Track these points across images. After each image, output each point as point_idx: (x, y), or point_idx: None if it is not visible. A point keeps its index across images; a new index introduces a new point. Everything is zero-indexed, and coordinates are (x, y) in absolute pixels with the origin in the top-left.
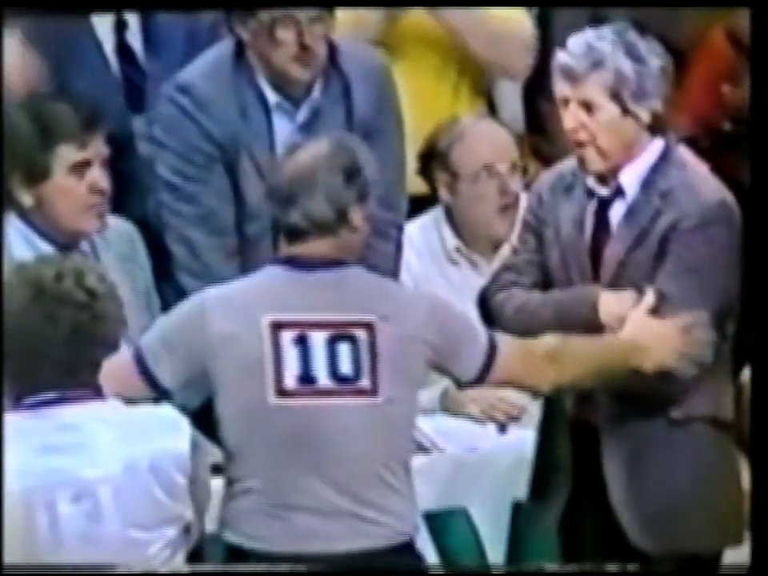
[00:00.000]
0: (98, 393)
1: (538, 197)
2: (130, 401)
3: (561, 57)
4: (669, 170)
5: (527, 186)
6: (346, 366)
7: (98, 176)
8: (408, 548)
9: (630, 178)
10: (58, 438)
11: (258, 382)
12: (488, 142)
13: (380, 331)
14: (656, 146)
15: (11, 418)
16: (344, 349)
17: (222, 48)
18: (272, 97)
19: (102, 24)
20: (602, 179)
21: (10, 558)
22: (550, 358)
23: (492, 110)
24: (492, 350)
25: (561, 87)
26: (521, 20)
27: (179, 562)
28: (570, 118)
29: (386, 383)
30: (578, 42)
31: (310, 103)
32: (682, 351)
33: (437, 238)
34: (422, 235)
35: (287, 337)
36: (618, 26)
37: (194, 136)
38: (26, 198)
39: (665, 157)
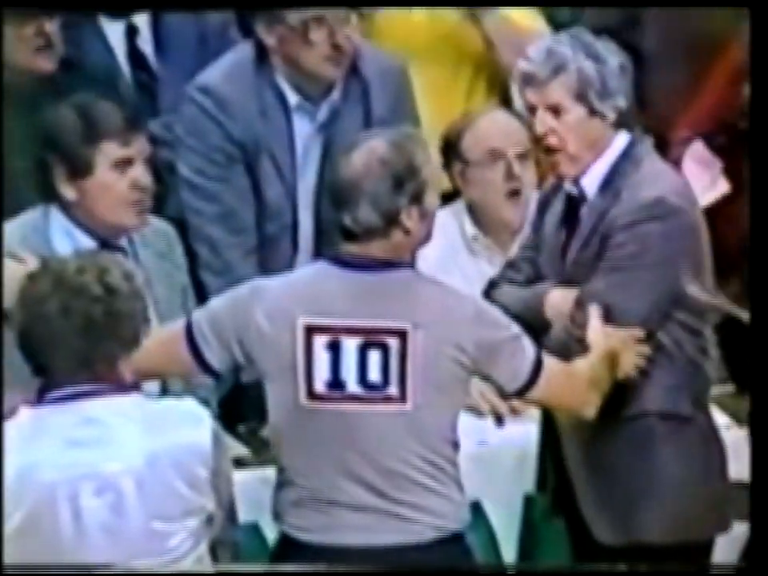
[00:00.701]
0: (119, 387)
1: (542, 195)
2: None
3: (522, 65)
4: (627, 167)
5: (541, 178)
6: (374, 374)
7: (140, 173)
8: (452, 542)
9: (593, 177)
10: (80, 432)
11: (293, 381)
12: (497, 128)
13: (412, 339)
14: (619, 143)
15: (34, 412)
16: (374, 356)
17: (242, 50)
18: (292, 97)
19: (113, 30)
20: (574, 180)
21: (33, 551)
22: (593, 383)
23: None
24: (538, 365)
25: (526, 94)
26: (541, 26)
27: (202, 551)
28: (540, 124)
29: (415, 391)
30: (537, 49)
31: (330, 103)
32: (636, 358)
33: (457, 229)
34: (442, 226)
35: (320, 341)
36: (574, 30)
37: (215, 136)
38: (69, 193)
39: (626, 154)
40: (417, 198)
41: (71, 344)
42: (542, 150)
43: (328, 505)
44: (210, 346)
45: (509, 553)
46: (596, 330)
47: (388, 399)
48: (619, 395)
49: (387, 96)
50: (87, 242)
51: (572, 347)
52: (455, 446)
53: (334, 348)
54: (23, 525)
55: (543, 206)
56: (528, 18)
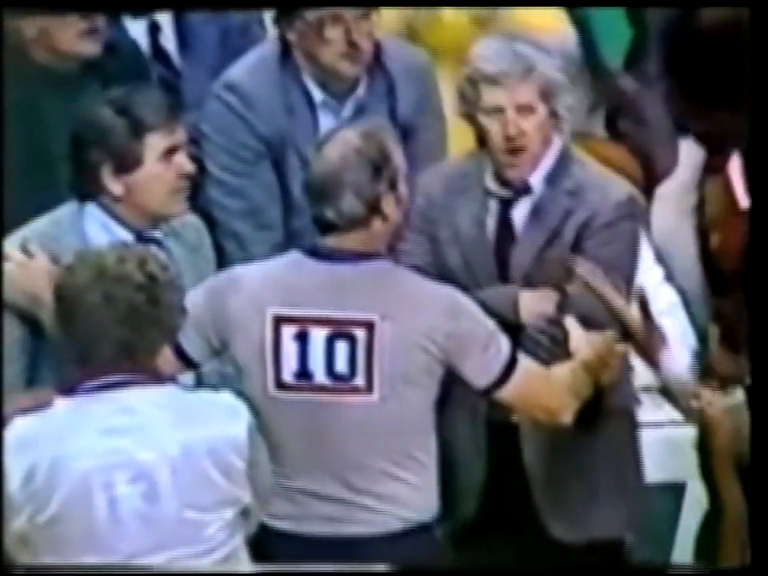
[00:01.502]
0: (156, 377)
1: (427, 198)
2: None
3: (483, 65)
4: (571, 167)
5: None
6: (341, 365)
7: (184, 160)
8: (419, 533)
9: (537, 177)
10: (116, 421)
11: (262, 371)
12: None
13: (380, 330)
14: (556, 144)
15: (70, 402)
16: (342, 347)
17: (267, 47)
18: (317, 94)
19: (136, 27)
20: (503, 181)
21: (67, 539)
22: (573, 389)
23: None
24: (512, 363)
25: (489, 95)
26: (560, 24)
27: (238, 543)
28: (512, 126)
29: (382, 382)
30: (497, 49)
31: (355, 100)
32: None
33: None
34: None
35: (288, 331)
36: (513, 32)
37: (241, 132)
38: (116, 188)
39: (565, 155)
40: (393, 185)
41: (114, 333)
42: (506, 151)
43: (297, 494)
44: (187, 336)
45: None
46: (578, 337)
47: (355, 390)
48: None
49: (412, 92)
50: (124, 235)
51: (547, 348)
52: (428, 436)
53: (302, 338)
54: (58, 512)
55: (440, 210)
56: (546, 18)
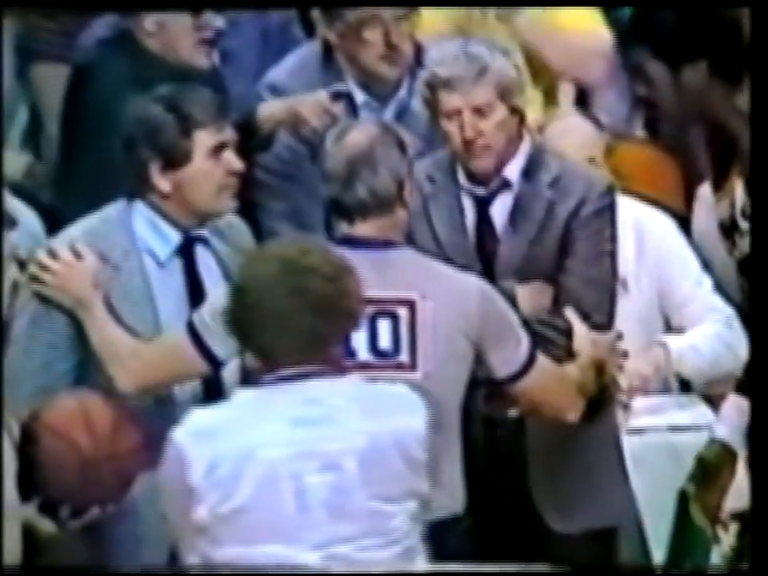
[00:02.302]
0: (339, 368)
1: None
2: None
3: (438, 70)
4: (546, 160)
5: None
6: (385, 342)
7: (233, 158)
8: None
9: (513, 172)
10: (303, 412)
11: None
12: (570, 134)
13: (421, 309)
14: (527, 139)
15: (254, 393)
16: (384, 325)
17: (310, 48)
18: (359, 96)
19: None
20: (478, 180)
21: (255, 529)
22: (581, 387)
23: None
24: (532, 358)
25: (446, 99)
26: (595, 25)
27: (418, 536)
28: (469, 128)
29: (426, 359)
30: (450, 52)
31: (397, 102)
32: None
33: None
34: None
35: None
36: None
37: (283, 134)
38: (164, 184)
39: (537, 148)
40: (410, 173)
41: (303, 324)
42: (468, 152)
43: None
44: (213, 335)
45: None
46: (582, 336)
47: (400, 366)
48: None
49: None
50: (172, 233)
51: (552, 341)
52: (457, 418)
53: None
54: (245, 502)
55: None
56: (582, 18)
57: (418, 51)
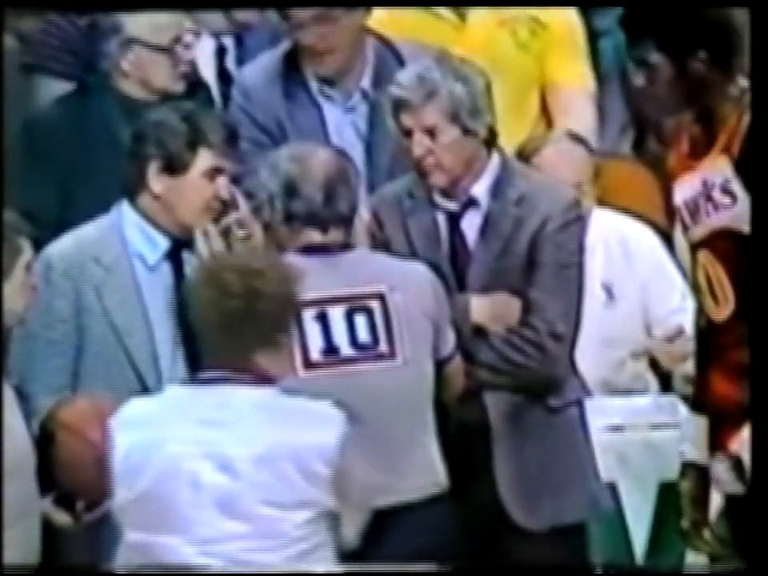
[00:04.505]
0: (260, 379)
1: (377, 221)
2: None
3: (394, 91)
4: (514, 179)
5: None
6: (364, 335)
7: (224, 186)
8: (437, 503)
9: (480, 190)
10: (213, 414)
11: None
12: (562, 158)
13: (391, 299)
14: (495, 159)
15: (179, 390)
16: (360, 320)
17: (280, 47)
18: (318, 85)
19: (203, 50)
20: (448, 195)
21: (150, 519)
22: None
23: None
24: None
25: (401, 119)
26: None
27: (318, 542)
28: (417, 147)
29: (402, 346)
30: (407, 75)
31: (359, 91)
32: None
33: None
34: None
35: (309, 314)
36: (440, 54)
37: (245, 126)
38: (157, 185)
39: (506, 168)
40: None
41: (216, 335)
42: (420, 170)
43: None
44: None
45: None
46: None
47: (380, 356)
48: (545, 387)
49: None
50: (160, 239)
51: (520, 350)
52: (431, 404)
53: (323, 318)
54: (146, 490)
55: (390, 230)
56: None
57: (390, 47)
